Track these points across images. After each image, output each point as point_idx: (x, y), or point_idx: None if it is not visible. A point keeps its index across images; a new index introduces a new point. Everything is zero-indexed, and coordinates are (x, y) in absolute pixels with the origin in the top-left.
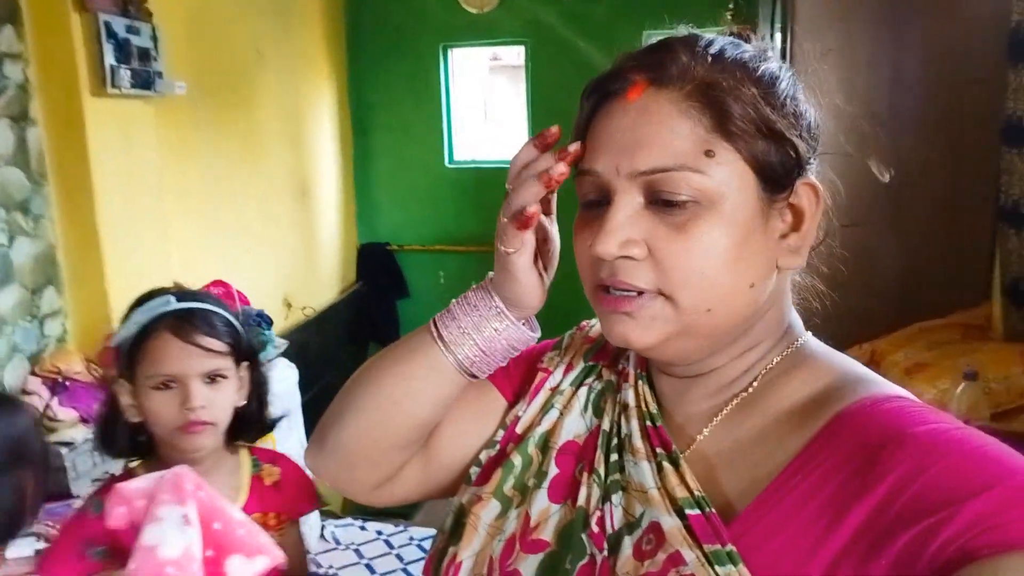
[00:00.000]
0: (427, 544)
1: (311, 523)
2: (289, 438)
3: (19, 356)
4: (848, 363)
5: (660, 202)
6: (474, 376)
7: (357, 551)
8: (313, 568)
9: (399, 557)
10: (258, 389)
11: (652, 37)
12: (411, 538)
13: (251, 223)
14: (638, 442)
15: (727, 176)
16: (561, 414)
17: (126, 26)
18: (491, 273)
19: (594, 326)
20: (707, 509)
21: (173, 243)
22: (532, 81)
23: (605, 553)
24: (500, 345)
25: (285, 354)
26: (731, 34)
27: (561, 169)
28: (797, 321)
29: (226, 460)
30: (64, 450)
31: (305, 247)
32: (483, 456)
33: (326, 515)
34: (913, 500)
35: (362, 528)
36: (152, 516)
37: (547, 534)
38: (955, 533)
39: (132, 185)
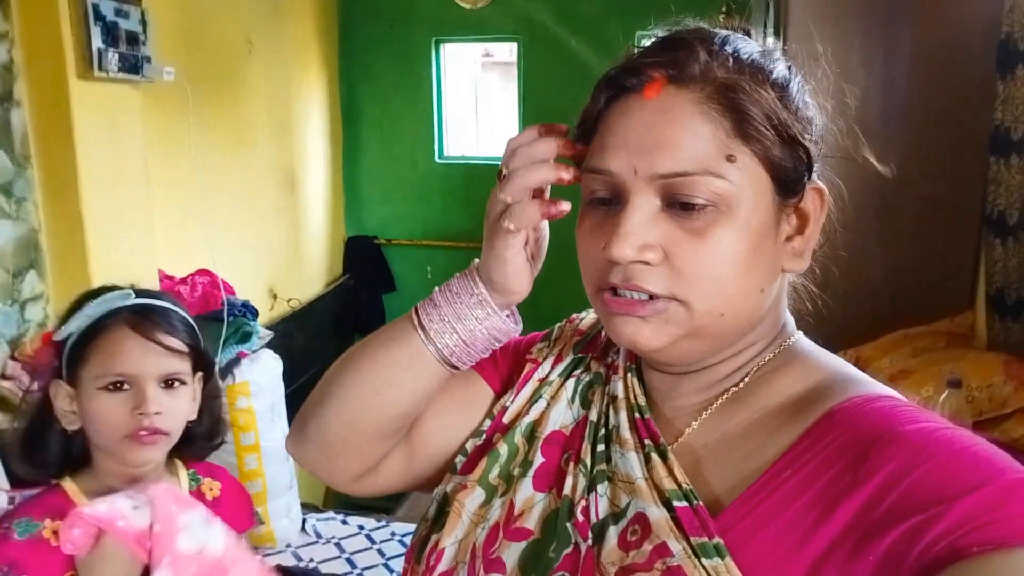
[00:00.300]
0: (409, 540)
1: (292, 516)
2: (273, 429)
3: None
4: (838, 362)
5: (677, 206)
6: (455, 367)
7: (338, 545)
8: (294, 562)
9: (380, 552)
10: (210, 403)
11: (643, 40)
12: (393, 533)
13: (238, 213)
14: (626, 433)
15: (746, 181)
16: (548, 404)
17: (114, 9)
18: (476, 260)
19: (584, 319)
20: (695, 502)
21: (158, 230)
22: (524, 78)
23: (590, 542)
24: (481, 335)
25: (270, 345)
26: (734, 28)
27: (569, 176)
28: (790, 320)
29: (163, 476)
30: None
31: (292, 238)
32: (469, 445)
33: (308, 508)
34: (902, 497)
35: (344, 522)
36: (177, 527)
37: (531, 522)
38: (944, 531)
39: (117, 170)
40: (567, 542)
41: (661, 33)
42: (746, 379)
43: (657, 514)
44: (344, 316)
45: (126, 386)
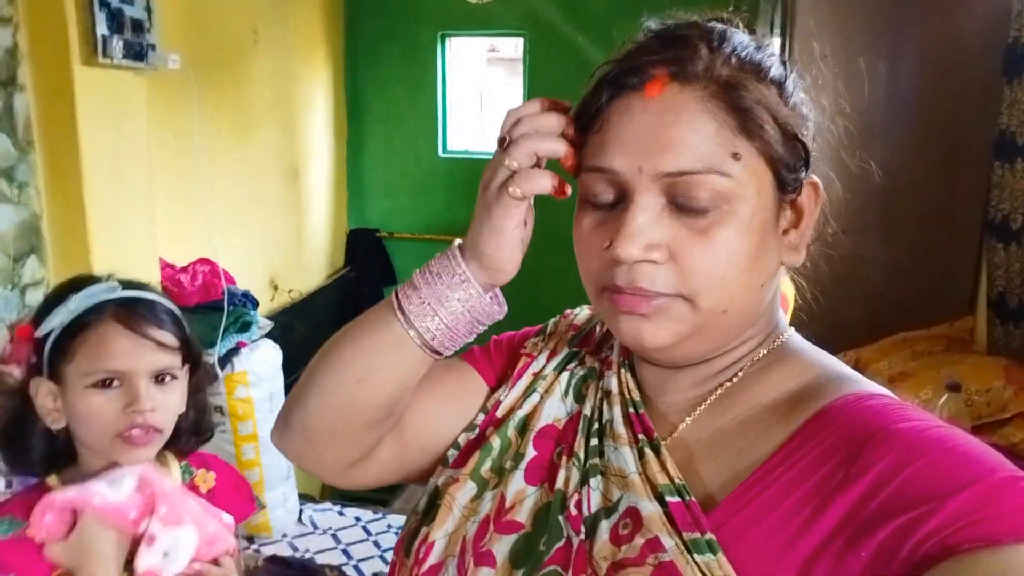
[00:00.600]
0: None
1: (289, 506)
2: (271, 419)
3: None
4: (830, 360)
5: (682, 204)
6: (437, 353)
7: (335, 536)
8: (290, 552)
9: (376, 544)
10: (195, 397)
11: (646, 24)
12: (389, 525)
13: (240, 202)
14: (620, 428)
15: (749, 178)
16: (542, 398)
17: None
18: (457, 241)
19: (578, 314)
20: (687, 497)
21: (159, 218)
22: (529, 74)
23: (582, 536)
24: (464, 318)
25: (270, 336)
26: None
27: (571, 161)
28: (782, 317)
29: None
30: None
31: (294, 229)
32: (462, 439)
33: (305, 499)
34: (895, 494)
35: (340, 513)
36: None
37: (522, 516)
38: (935, 528)
39: (120, 157)
40: (559, 535)
41: (654, 26)
42: (739, 375)
43: (649, 509)
44: (345, 308)
45: (116, 383)
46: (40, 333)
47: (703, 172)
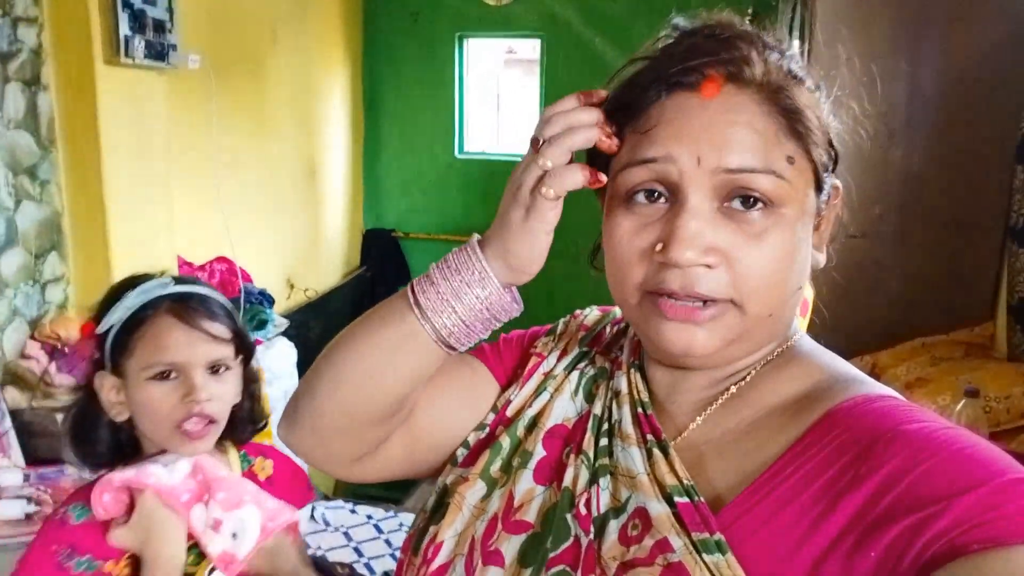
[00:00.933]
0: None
1: None
2: None
3: (19, 320)
4: (838, 362)
5: (736, 206)
6: (452, 348)
7: (346, 534)
8: None
9: (388, 542)
10: (250, 387)
11: (672, 25)
12: (401, 524)
13: (257, 202)
14: (629, 428)
15: (799, 181)
16: (552, 397)
17: None
18: (475, 236)
19: (588, 315)
20: (696, 498)
21: (178, 216)
22: (547, 76)
23: (591, 536)
24: (482, 315)
25: (285, 334)
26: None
27: (613, 144)
28: (793, 318)
29: (215, 459)
30: (59, 416)
31: (310, 229)
32: (471, 438)
33: (317, 496)
34: (903, 495)
35: (352, 511)
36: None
37: (530, 515)
38: (944, 529)
39: (140, 156)
40: (567, 535)
41: (682, 23)
42: (748, 377)
43: (658, 509)
44: (360, 308)
45: (173, 375)
46: (101, 330)
47: (763, 172)
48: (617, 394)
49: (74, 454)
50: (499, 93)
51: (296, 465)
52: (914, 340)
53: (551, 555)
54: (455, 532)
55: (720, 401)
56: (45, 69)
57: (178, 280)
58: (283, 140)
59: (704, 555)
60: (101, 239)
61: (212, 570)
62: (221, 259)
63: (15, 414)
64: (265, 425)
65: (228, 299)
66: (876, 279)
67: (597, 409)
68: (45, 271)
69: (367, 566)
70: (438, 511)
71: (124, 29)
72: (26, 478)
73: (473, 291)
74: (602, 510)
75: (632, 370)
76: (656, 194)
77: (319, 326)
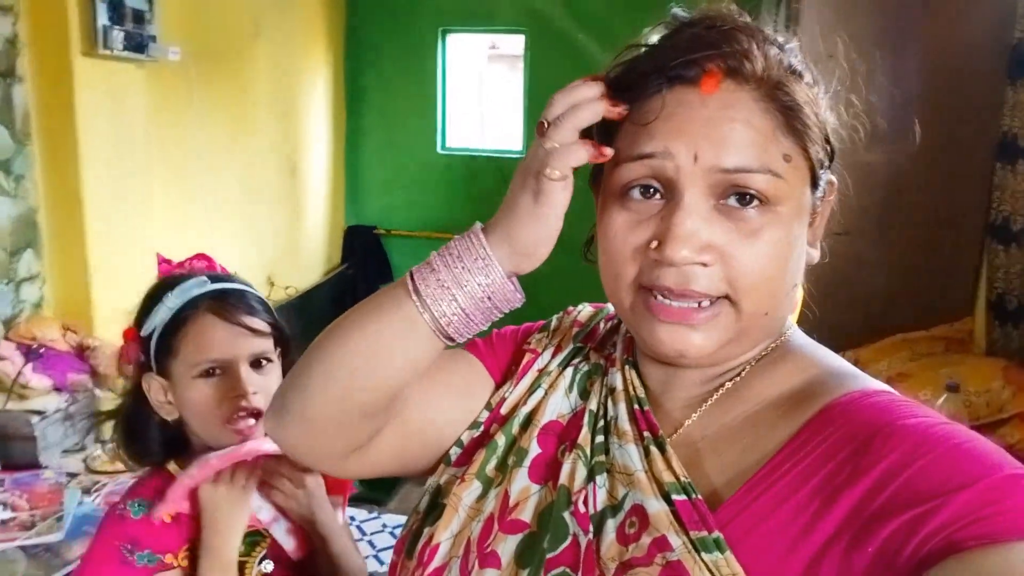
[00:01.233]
0: (399, 532)
1: None
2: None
3: None
4: (832, 357)
5: (732, 204)
6: (450, 339)
7: None
8: None
9: (371, 543)
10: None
11: (672, 15)
12: (384, 525)
13: (237, 197)
14: (625, 425)
15: (795, 179)
16: (546, 394)
17: None
18: (478, 224)
19: (581, 311)
20: (693, 495)
21: (157, 212)
22: (530, 71)
23: (590, 535)
24: (483, 304)
25: None
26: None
27: (617, 110)
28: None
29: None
30: (35, 419)
31: (291, 225)
32: (465, 437)
33: None
34: (900, 490)
35: None
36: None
37: (526, 515)
38: (941, 524)
39: (119, 150)
40: (565, 534)
41: (682, 15)
42: (743, 373)
43: (656, 507)
44: (341, 306)
45: (218, 371)
46: (144, 332)
47: (759, 171)
48: (612, 391)
49: (126, 455)
50: (482, 89)
51: None
52: (895, 335)
53: (549, 556)
54: (451, 534)
55: (715, 397)
56: (21, 60)
57: (214, 278)
58: (264, 135)
59: (703, 554)
60: (78, 236)
61: (263, 559)
62: (201, 256)
63: None
64: None
65: None
66: (858, 275)
67: (592, 405)
68: (20, 269)
69: None
70: (432, 512)
71: (102, 20)
72: (0, 483)
73: (475, 279)
74: (599, 507)
75: (626, 366)
76: (651, 190)
77: (300, 324)
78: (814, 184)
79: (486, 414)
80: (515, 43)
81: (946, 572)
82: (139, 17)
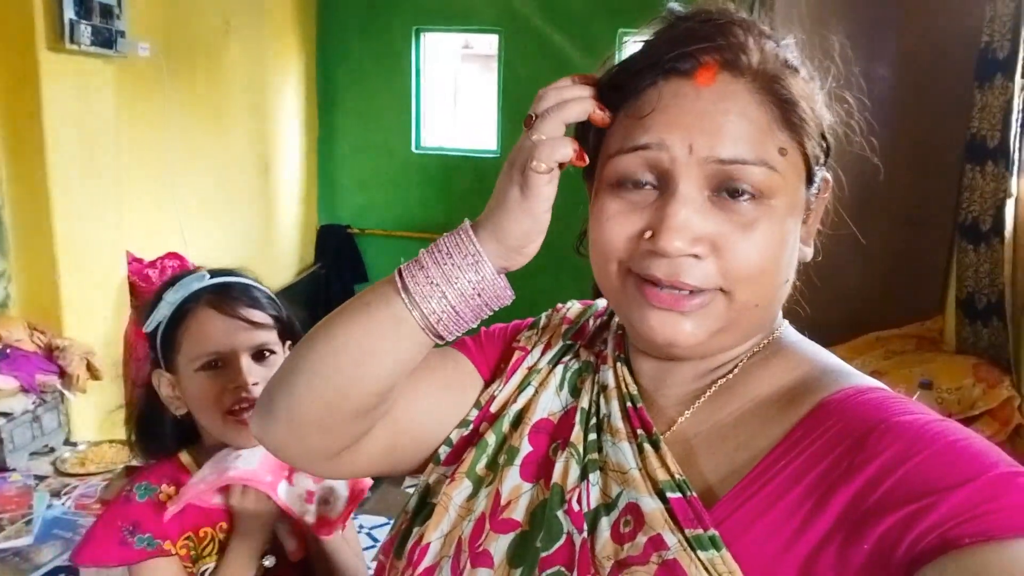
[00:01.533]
0: (377, 533)
1: None
2: None
3: None
4: (824, 354)
5: (726, 196)
6: (440, 337)
7: None
8: None
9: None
10: None
11: (627, 36)
12: (361, 526)
13: (209, 196)
14: (618, 423)
15: (790, 173)
16: (536, 391)
17: None
18: (467, 220)
19: (570, 308)
20: (688, 493)
21: (128, 211)
22: (504, 71)
23: (584, 534)
24: (473, 301)
25: None
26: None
27: (602, 115)
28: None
29: None
30: (1, 421)
31: (263, 224)
32: (454, 435)
33: None
34: (896, 487)
35: None
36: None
37: (518, 513)
38: (936, 522)
39: (87, 147)
40: (559, 533)
41: (679, 9)
42: (736, 369)
43: (651, 505)
44: (315, 306)
45: (220, 363)
46: (146, 328)
47: (754, 163)
48: (604, 388)
49: (140, 450)
50: (456, 88)
51: None
52: (868, 334)
53: (543, 555)
54: (441, 533)
55: (708, 394)
56: None
57: (216, 273)
58: (236, 133)
59: (699, 552)
60: (45, 234)
61: (266, 554)
62: (172, 255)
63: None
64: None
65: None
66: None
67: (584, 403)
68: None
69: None
70: (421, 512)
71: (69, 13)
72: None
73: (465, 275)
74: (592, 505)
75: (618, 363)
76: (644, 182)
77: None
78: (809, 180)
79: (475, 412)
80: (489, 43)
81: (941, 569)
82: (107, 12)
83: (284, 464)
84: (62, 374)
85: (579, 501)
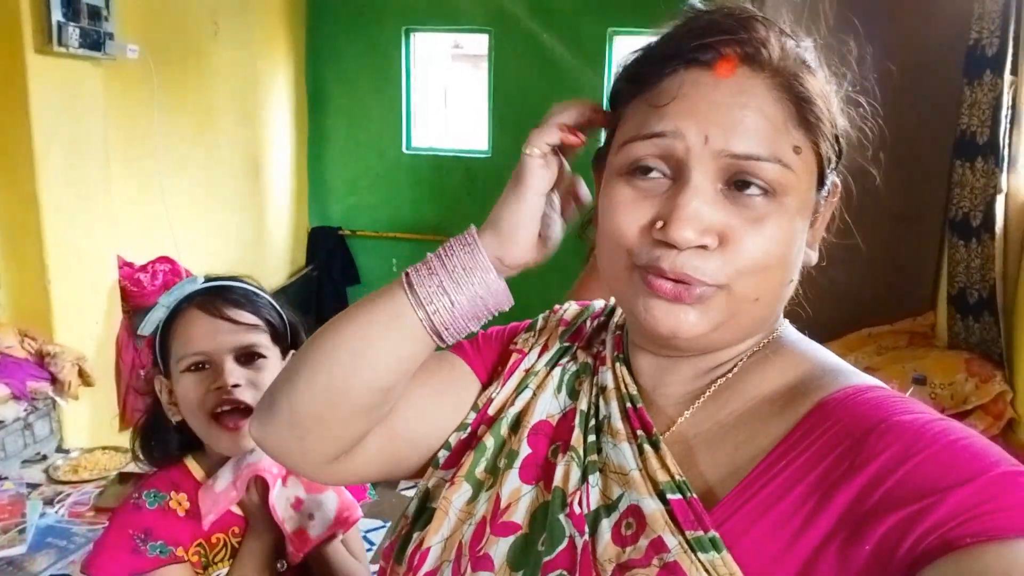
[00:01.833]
0: (372, 536)
1: None
2: None
3: None
4: (824, 353)
5: (738, 190)
6: (441, 338)
7: None
8: None
9: None
10: None
11: (616, 36)
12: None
13: (200, 199)
14: (618, 424)
15: (803, 173)
16: (534, 394)
17: None
18: (472, 226)
19: (567, 310)
20: (688, 494)
21: (118, 215)
22: (494, 71)
23: (586, 536)
24: (477, 304)
25: None
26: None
27: (578, 140)
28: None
29: None
30: None
31: (255, 227)
32: (452, 439)
33: None
34: (896, 487)
35: None
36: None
37: (518, 516)
38: (937, 522)
39: (76, 150)
40: (560, 536)
41: (699, 4)
42: (736, 368)
43: (652, 507)
44: (307, 308)
45: (206, 365)
46: (140, 332)
47: (768, 160)
48: (603, 389)
49: (144, 457)
50: (447, 88)
51: None
52: (861, 330)
53: (546, 559)
54: (441, 538)
55: (708, 393)
56: None
57: (214, 279)
58: (225, 136)
59: (699, 553)
60: (35, 240)
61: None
62: (163, 259)
63: None
64: None
65: None
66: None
67: (583, 405)
68: None
69: None
70: (421, 516)
71: (57, 15)
72: None
73: (471, 278)
74: (592, 507)
75: (617, 363)
76: (657, 170)
77: None
78: (820, 182)
79: (473, 415)
80: (479, 42)
81: (942, 570)
82: (95, 14)
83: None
84: (54, 380)
85: (579, 504)
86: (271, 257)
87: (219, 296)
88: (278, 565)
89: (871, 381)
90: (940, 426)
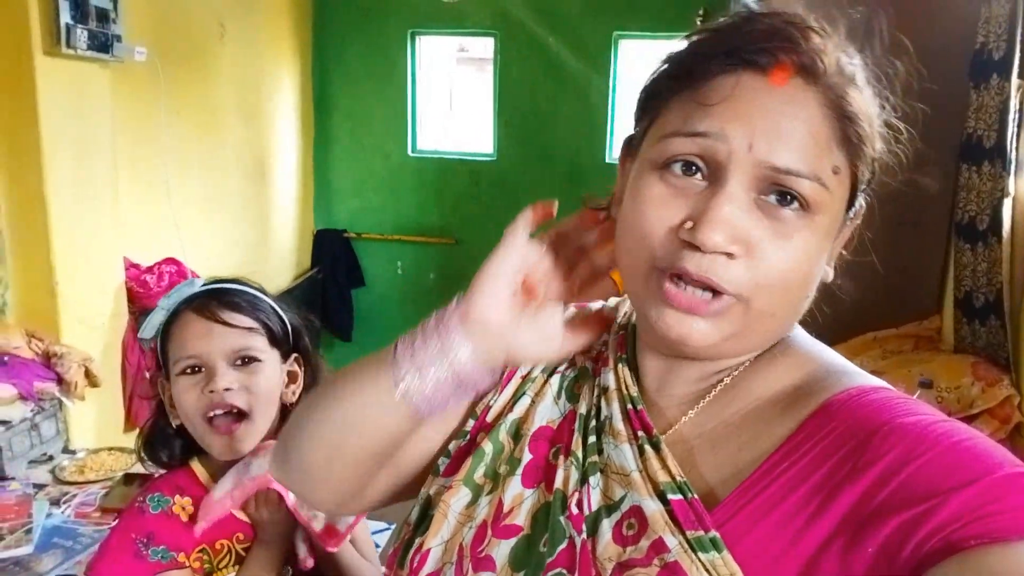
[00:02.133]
0: (378, 538)
1: None
2: None
3: None
4: (829, 354)
5: (772, 201)
6: (418, 411)
7: None
8: None
9: None
10: (313, 386)
11: (622, 40)
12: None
13: (205, 201)
14: (619, 424)
15: (839, 193)
16: (533, 402)
17: None
18: (454, 300)
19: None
20: (689, 495)
21: (124, 216)
22: (500, 74)
23: (584, 536)
24: (448, 384)
25: None
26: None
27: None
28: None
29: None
30: (0, 429)
31: (260, 229)
32: (452, 446)
33: None
34: (899, 488)
35: None
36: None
37: (520, 519)
38: (940, 524)
39: (83, 152)
40: (561, 537)
41: (755, 7)
42: (740, 369)
43: (652, 507)
44: (312, 311)
45: (200, 368)
46: (140, 336)
47: (808, 178)
48: (605, 390)
49: (149, 460)
50: (452, 91)
51: None
52: (866, 334)
53: (548, 560)
54: (441, 540)
55: (713, 393)
56: None
57: (212, 281)
58: (231, 138)
59: (700, 553)
60: (42, 241)
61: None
62: (170, 260)
63: None
64: None
65: None
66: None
67: (583, 408)
68: None
69: None
70: (423, 522)
71: (65, 18)
72: None
73: (441, 357)
74: (593, 508)
75: (620, 364)
76: (694, 168)
77: None
78: (850, 203)
79: (472, 422)
80: (484, 46)
81: (946, 572)
82: (103, 16)
83: None
84: (60, 381)
85: (579, 505)
86: (276, 259)
87: (215, 299)
88: (284, 572)
89: (876, 382)
90: (944, 428)
